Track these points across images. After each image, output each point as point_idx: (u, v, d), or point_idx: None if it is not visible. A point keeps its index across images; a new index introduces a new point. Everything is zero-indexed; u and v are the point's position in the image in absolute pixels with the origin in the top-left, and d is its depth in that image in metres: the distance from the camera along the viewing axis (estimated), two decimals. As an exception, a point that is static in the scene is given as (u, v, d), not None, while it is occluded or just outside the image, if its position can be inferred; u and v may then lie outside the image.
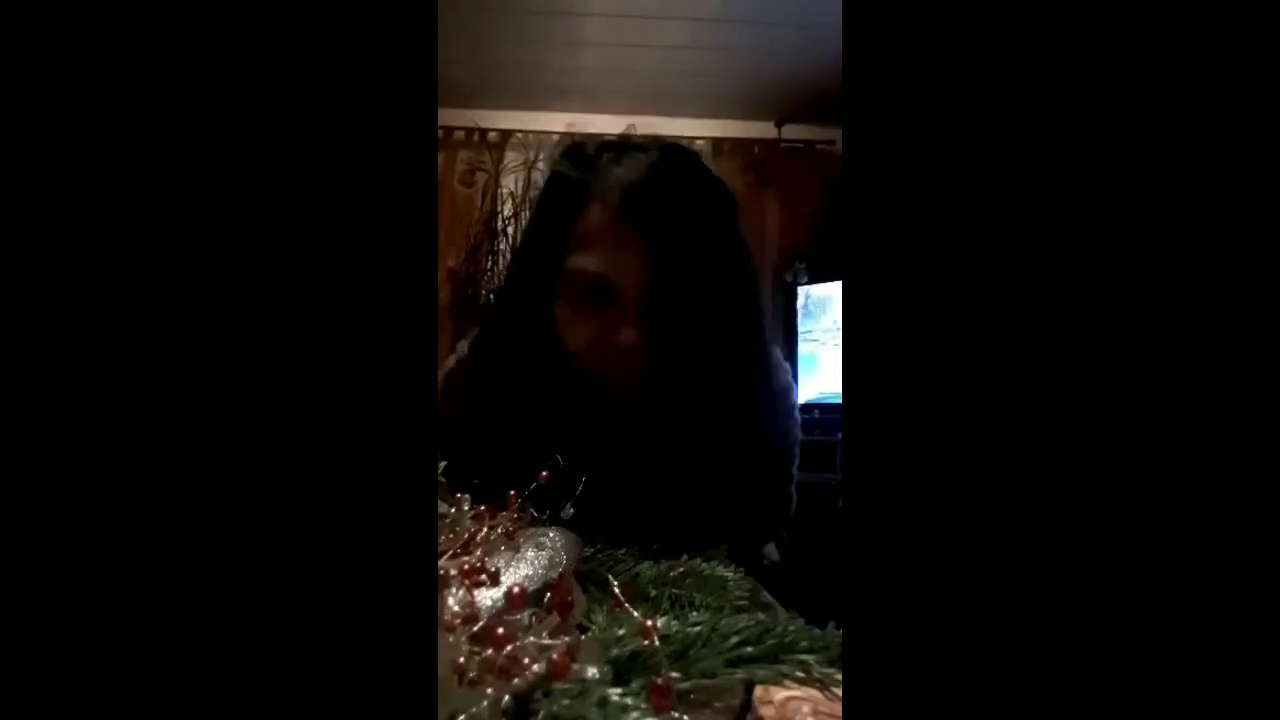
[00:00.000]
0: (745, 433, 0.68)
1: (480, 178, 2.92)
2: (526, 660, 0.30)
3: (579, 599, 0.39)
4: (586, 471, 0.52)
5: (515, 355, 0.67)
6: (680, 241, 0.61)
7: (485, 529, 0.45)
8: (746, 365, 0.69)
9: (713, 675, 0.32)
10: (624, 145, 0.66)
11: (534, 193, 2.84)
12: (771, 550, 0.95)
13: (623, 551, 0.51)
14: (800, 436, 0.79)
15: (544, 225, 0.67)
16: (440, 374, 0.77)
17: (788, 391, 0.79)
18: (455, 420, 0.69)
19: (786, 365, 0.80)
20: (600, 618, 0.39)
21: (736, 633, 0.34)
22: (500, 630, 0.31)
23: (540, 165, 2.88)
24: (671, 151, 0.67)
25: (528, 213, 2.83)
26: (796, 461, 0.79)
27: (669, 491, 0.62)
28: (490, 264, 2.82)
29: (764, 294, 0.75)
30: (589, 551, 0.49)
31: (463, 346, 0.80)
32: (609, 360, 0.62)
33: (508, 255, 2.81)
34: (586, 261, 0.62)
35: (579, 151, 0.67)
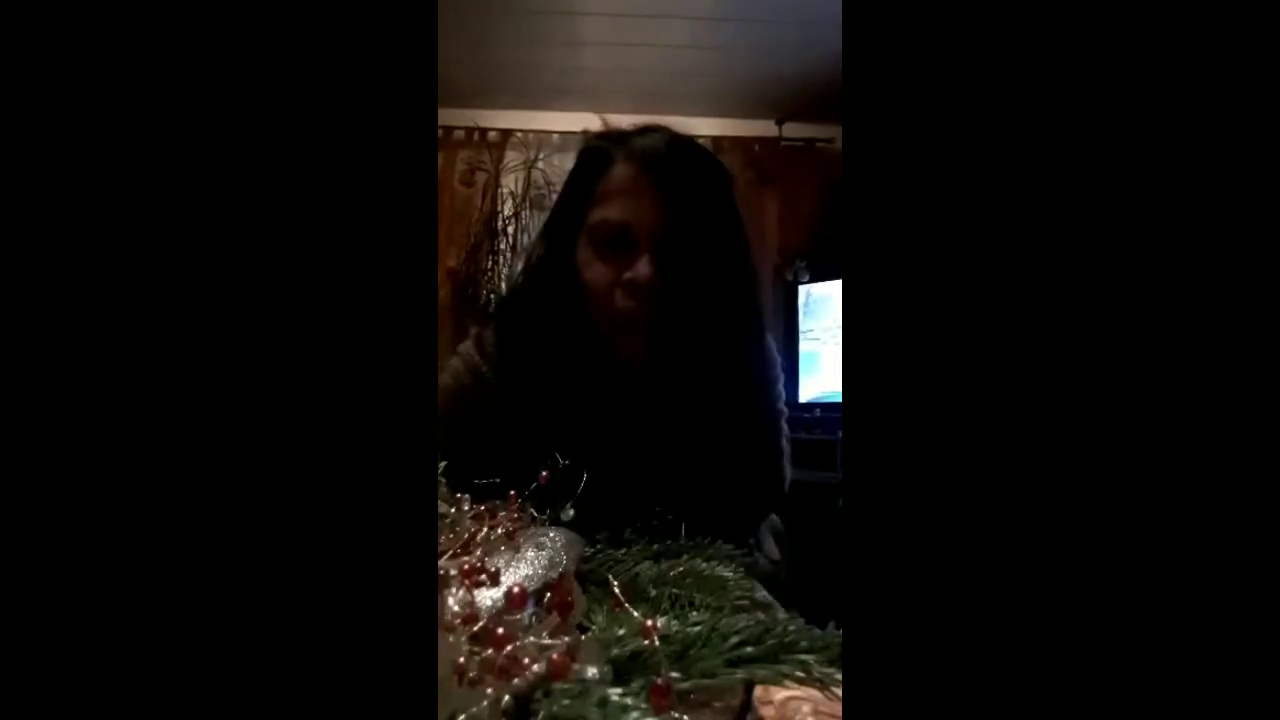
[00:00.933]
0: (739, 391, 0.77)
1: (480, 177, 2.92)
2: (526, 660, 0.30)
3: (579, 599, 0.39)
4: (588, 468, 0.55)
5: (542, 304, 0.77)
6: (689, 202, 0.72)
7: (485, 529, 0.45)
8: (740, 325, 0.78)
9: (713, 675, 0.32)
10: (643, 129, 0.79)
11: (535, 192, 2.86)
12: (771, 549, 0.95)
13: (623, 551, 0.51)
14: (786, 411, 0.86)
15: (575, 186, 0.78)
16: (456, 361, 0.84)
17: (775, 363, 0.86)
18: (459, 417, 0.77)
19: (772, 341, 0.88)
20: (600, 618, 0.39)
21: (736, 633, 0.34)
22: (500, 630, 0.31)
23: (540, 165, 2.88)
24: (678, 135, 0.79)
25: (528, 212, 2.84)
26: (786, 434, 0.85)
27: (669, 451, 0.71)
28: (490, 264, 2.82)
29: (758, 269, 0.85)
30: (589, 551, 0.49)
31: (465, 346, 0.84)
32: (623, 299, 0.71)
33: (508, 255, 2.82)
34: (611, 212, 0.72)
35: (606, 133, 0.80)
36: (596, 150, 0.77)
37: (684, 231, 0.71)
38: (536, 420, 0.71)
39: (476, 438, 0.73)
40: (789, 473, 0.85)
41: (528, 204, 2.88)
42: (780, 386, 0.86)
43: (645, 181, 0.72)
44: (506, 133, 2.94)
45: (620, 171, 0.74)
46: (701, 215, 0.72)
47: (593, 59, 2.60)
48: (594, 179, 0.75)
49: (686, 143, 0.78)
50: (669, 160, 0.74)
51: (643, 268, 0.70)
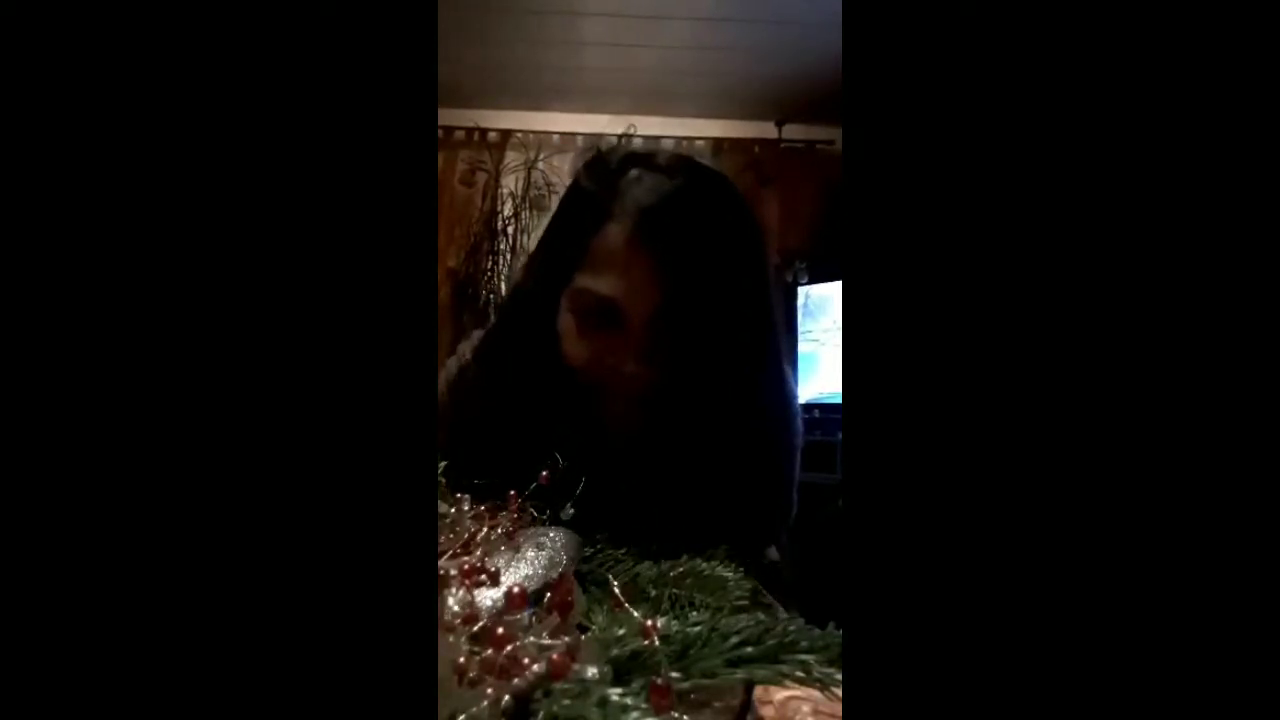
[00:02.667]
0: (747, 449, 0.67)
1: (480, 177, 2.92)
2: (526, 660, 0.30)
3: (579, 599, 0.39)
4: (587, 479, 0.52)
5: (518, 360, 0.66)
6: (696, 272, 0.59)
7: (485, 529, 0.45)
8: (755, 387, 0.68)
9: (713, 675, 0.32)
10: (649, 162, 0.64)
11: (534, 192, 2.86)
12: (771, 549, 0.95)
13: (623, 551, 0.51)
14: (801, 443, 0.79)
15: (559, 238, 0.66)
16: (440, 377, 0.77)
17: (791, 399, 0.79)
18: (455, 422, 0.69)
19: (790, 374, 0.80)
20: (600, 618, 0.39)
21: (736, 633, 0.34)
22: (500, 630, 0.31)
23: (540, 165, 2.89)
24: (698, 175, 0.65)
25: (528, 212, 2.84)
26: (798, 470, 0.79)
27: (669, 498, 0.61)
28: (490, 264, 2.82)
29: (778, 314, 0.72)
30: (589, 551, 0.49)
31: (463, 348, 0.80)
32: (608, 378, 0.62)
33: (508, 255, 2.82)
34: (598, 284, 0.60)
35: (603, 164, 0.65)
36: (586, 197, 0.63)
37: (685, 318, 0.59)
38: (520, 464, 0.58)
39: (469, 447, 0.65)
40: (796, 505, 0.78)
41: (527, 204, 2.88)
42: (798, 421, 0.78)
43: (638, 252, 0.59)
44: (506, 133, 2.94)
45: (612, 233, 0.60)
46: (709, 294, 0.59)
47: (593, 59, 2.59)
48: (583, 232, 0.61)
49: (699, 190, 0.63)
50: (671, 224, 0.59)
51: (629, 363, 0.60)
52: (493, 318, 2.35)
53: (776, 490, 0.75)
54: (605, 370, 0.61)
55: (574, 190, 0.66)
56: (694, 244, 0.60)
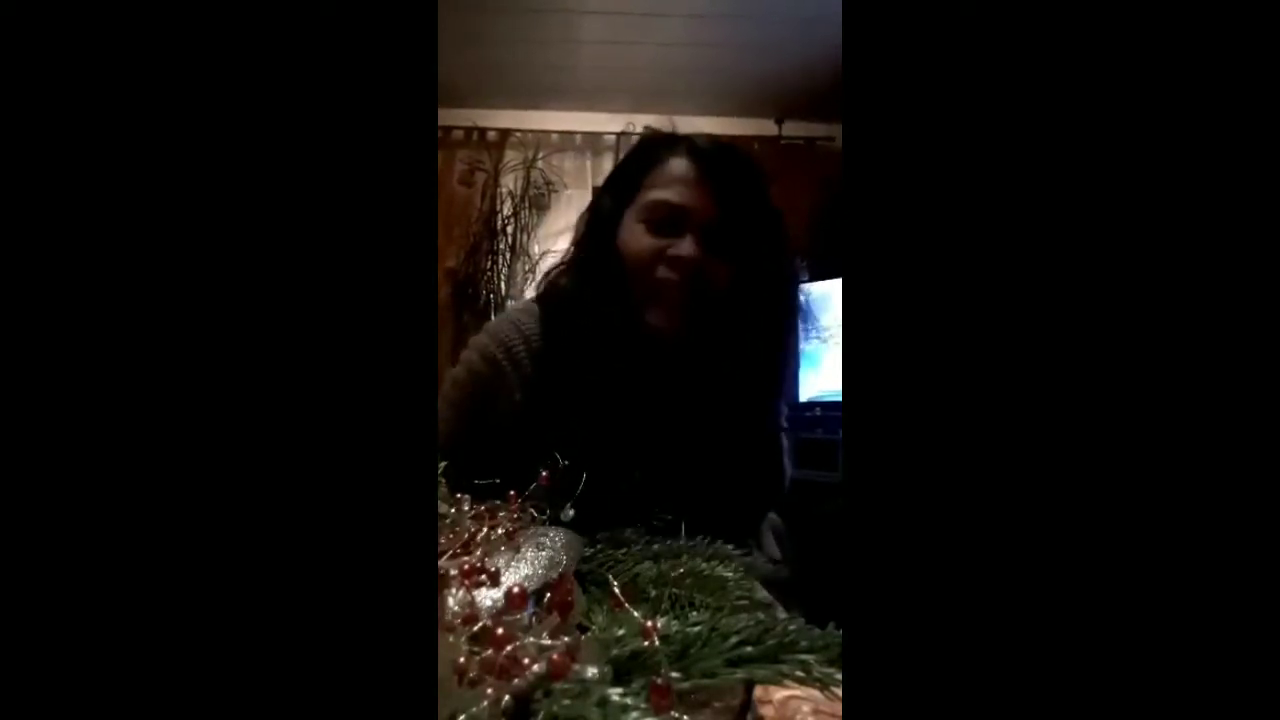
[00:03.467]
0: (755, 380, 0.83)
1: (479, 177, 2.92)
2: (526, 660, 0.30)
3: (579, 599, 0.39)
4: (618, 396, 0.68)
5: (585, 273, 0.85)
6: (737, 199, 0.81)
7: (485, 529, 0.45)
8: (768, 317, 0.85)
9: (713, 675, 0.32)
10: (690, 136, 0.87)
11: (533, 191, 2.85)
12: (772, 548, 0.95)
13: (623, 551, 0.51)
14: (786, 411, 0.93)
15: (629, 170, 0.87)
16: (459, 368, 0.87)
17: (793, 358, 0.95)
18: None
19: (793, 339, 0.94)
20: (600, 618, 0.39)
21: (736, 633, 0.34)
22: (500, 630, 0.31)
23: (539, 163, 2.88)
24: (722, 141, 0.88)
25: (527, 211, 2.84)
26: (785, 427, 0.92)
27: (684, 432, 0.77)
28: (490, 264, 2.82)
29: (794, 267, 0.96)
30: (589, 551, 0.49)
31: (477, 339, 0.87)
32: (664, 270, 0.79)
33: (507, 255, 2.82)
34: (669, 195, 0.80)
35: (659, 134, 0.88)
36: (656, 142, 0.87)
37: (730, 223, 0.80)
38: (566, 393, 0.76)
39: (490, 429, 0.77)
40: (789, 469, 0.89)
41: (527, 203, 2.88)
42: (787, 383, 0.92)
43: (701, 174, 0.81)
44: (505, 132, 2.94)
45: (678, 163, 0.82)
46: (747, 213, 0.81)
47: (591, 58, 2.59)
48: (648, 167, 0.84)
49: (733, 147, 0.87)
50: (722, 159, 0.83)
51: (688, 245, 0.78)
52: (493, 317, 2.38)
53: (767, 444, 0.87)
54: (660, 260, 0.79)
55: (645, 140, 0.89)
56: (737, 180, 0.81)
